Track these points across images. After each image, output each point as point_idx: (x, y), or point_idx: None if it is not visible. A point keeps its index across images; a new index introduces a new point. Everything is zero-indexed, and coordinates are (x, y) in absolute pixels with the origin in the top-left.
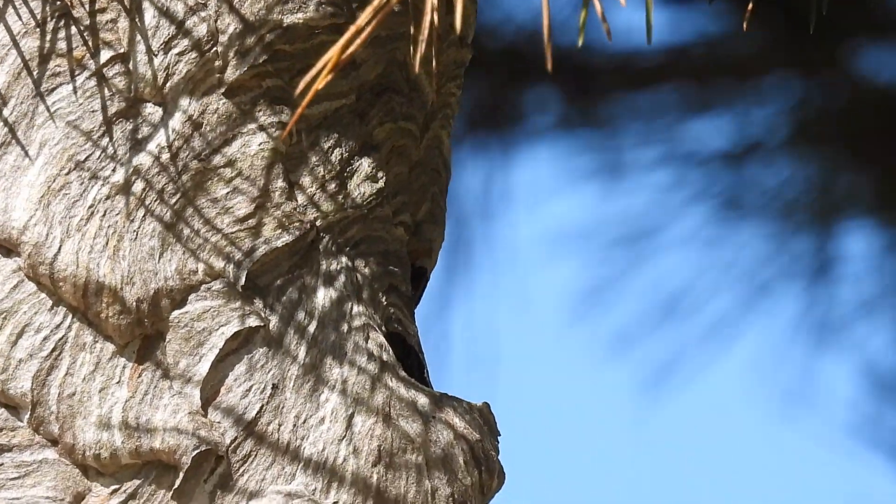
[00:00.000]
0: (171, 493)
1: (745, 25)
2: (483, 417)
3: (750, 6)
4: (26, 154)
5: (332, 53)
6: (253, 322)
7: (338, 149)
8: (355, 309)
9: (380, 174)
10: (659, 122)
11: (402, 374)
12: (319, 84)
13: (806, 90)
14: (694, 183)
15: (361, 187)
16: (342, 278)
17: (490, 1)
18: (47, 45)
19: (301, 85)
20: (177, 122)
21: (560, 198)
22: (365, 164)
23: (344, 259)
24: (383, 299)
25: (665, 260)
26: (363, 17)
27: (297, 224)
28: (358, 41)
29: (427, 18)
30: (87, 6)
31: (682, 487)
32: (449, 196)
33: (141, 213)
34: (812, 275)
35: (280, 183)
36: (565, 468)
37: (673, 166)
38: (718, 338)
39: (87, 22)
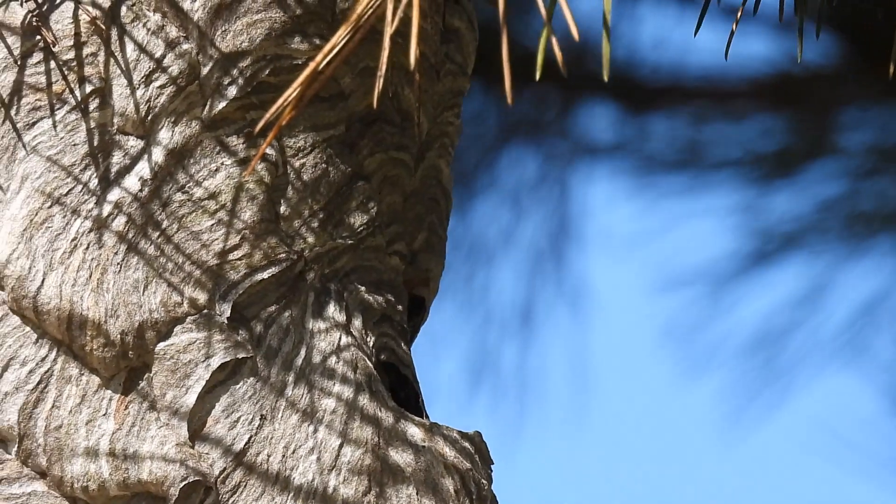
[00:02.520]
0: None
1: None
2: (475, 446)
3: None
4: (7, 188)
5: (292, 93)
6: (240, 353)
7: (326, 179)
8: (344, 339)
9: (371, 204)
10: (741, 147)
11: (392, 403)
12: (284, 120)
13: (889, 119)
14: (783, 207)
15: (351, 217)
16: (331, 308)
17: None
18: (26, 79)
19: (260, 124)
20: (159, 155)
21: (650, 223)
22: (355, 194)
23: (333, 289)
24: (375, 329)
25: (759, 287)
26: (320, 56)
27: (283, 255)
28: (316, 84)
29: (386, 52)
30: (66, 41)
31: None
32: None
33: (124, 246)
34: None
35: (266, 214)
36: (650, 493)
37: (760, 192)
38: (807, 373)
39: (68, 56)
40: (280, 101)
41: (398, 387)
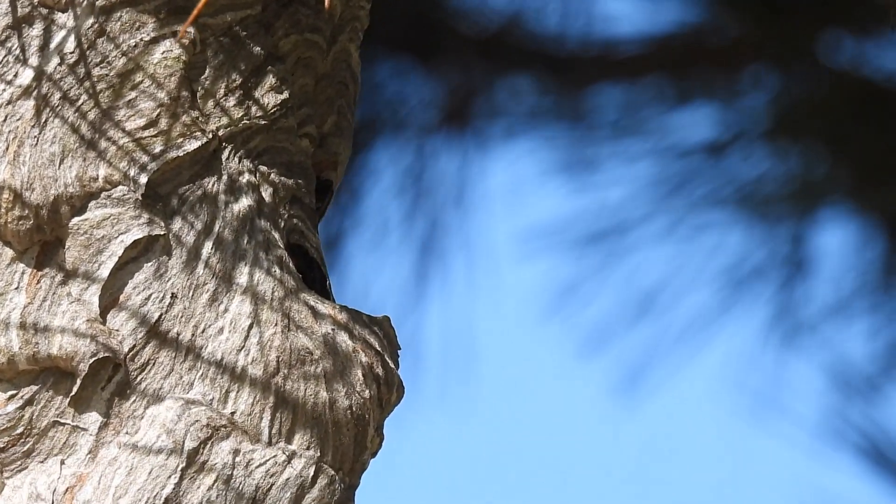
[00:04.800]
0: (69, 399)
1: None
2: (383, 331)
3: None
4: None
5: None
6: (153, 230)
7: (242, 59)
8: (257, 219)
9: (284, 85)
10: (636, 114)
11: (303, 285)
12: None
13: (784, 81)
14: (671, 176)
15: (265, 98)
16: (244, 188)
17: None
18: None
19: None
20: (81, 28)
21: (536, 191)
22: (270, 75)
23: (246, 169)
24: (286, 210)
25: (642, 255)
26: None
27: (199, 133)
28: None
29: None
30: None
31: (653, 487)
32: (423, 189)
33: (42, 118)
34: (787, 270)
35: (183, 91)
36: (538, 466)
37: (649, 159)
38: (695, 335)
39: None
40: None
41: (306, 270)
